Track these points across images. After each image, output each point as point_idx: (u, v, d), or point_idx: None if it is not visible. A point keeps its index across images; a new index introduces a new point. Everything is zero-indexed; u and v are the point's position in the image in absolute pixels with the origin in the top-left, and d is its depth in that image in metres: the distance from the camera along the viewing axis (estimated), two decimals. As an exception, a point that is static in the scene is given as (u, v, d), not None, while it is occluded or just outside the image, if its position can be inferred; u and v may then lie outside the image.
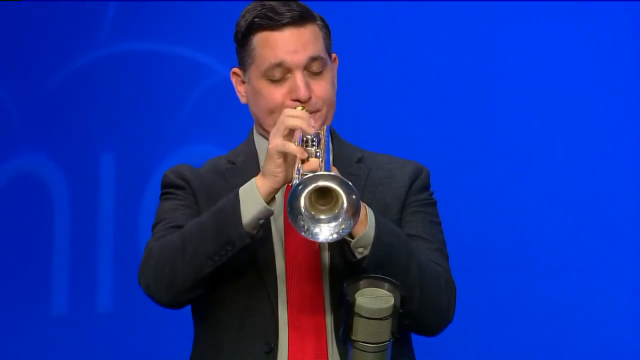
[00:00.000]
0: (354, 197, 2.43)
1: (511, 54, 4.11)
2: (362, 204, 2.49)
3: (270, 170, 2.54)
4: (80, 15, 4.13)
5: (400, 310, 2.46)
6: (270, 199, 2.55)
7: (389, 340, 2.45)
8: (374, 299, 2.45)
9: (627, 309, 4.03)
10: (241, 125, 2.85)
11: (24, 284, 4.09)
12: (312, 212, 2.45)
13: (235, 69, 2.77)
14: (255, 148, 2.78)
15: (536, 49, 4.12)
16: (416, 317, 2.63)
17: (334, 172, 2.51)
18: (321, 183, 2.43)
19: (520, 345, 3.92)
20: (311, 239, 2.46)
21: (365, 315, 2.44)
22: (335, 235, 2.46)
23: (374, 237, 2.54)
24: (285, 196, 2.56)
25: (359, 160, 2.79)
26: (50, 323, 4.06)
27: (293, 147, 2.51)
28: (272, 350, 2.63)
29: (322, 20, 2.74)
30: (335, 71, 2.77)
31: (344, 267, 2.61)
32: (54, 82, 4.16)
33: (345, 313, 2.47)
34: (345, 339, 2.48)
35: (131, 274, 2.72)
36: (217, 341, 2.68)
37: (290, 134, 2.54)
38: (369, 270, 2.52)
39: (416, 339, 2.76)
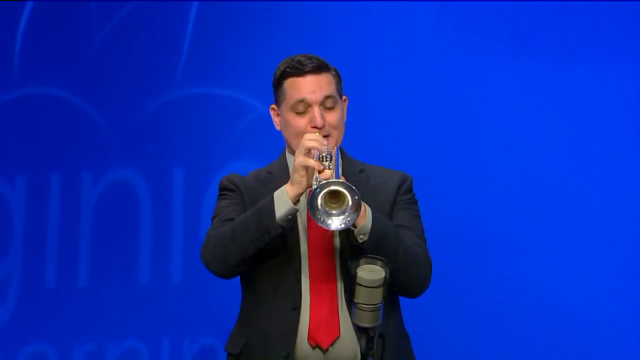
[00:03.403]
0: (356, 197, 2.48)
1: (490, 67, 3.97)
2: (363, 203, 2.53)
3: (296, 180, 2.58)
4: (159, 66, 4.17)
5: (390, 281, 2.47)
6: (296, 201, 2.59)
7: (381, 303, 2.46)
8: (370, 272, 2.46)
9: (615, 305, 3.83)
10: (276, 146, 2.87)
11: (119, 261, 4.09)
12: (326, 209, 2.49)
13: (273, 105, 2.79)
14: (287, 162, 2.79)
15: (514, 62, 3.98)
16: (402, 285, 2.66)
17: (342, 179, 2.54)
18: (333, 187, 2.49)
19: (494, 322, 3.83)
20: (326, 228, 2.50)
21: (363, 285, 2.45)
22: (343, 225, 2.50)
23: (371, 227, 2.58)
24: (307, 198, 2.59)
25: (361, 171, 2.79)
26: (138, 290, 4.08)
27: (312, 162, 2.56)
28: (297, 308, 2.65)
29: (335, 70, 2.77)
30: (345, 108, 2.79)
31: (350, 248, 2.63)
32: (140, 115, 4.16)
33: (349, 283, 2.50)
34: (349, 301, 2.51)
35: (195, 253, 2.74)
36: (257, 301, 2.70)
37: (309, 152, 2.58)
38: (368, 252, 2.54)
39: (404, 302, 2.78)
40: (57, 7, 4.20)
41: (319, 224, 2.49)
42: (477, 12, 3.99)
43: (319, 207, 2.48)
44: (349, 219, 2.49)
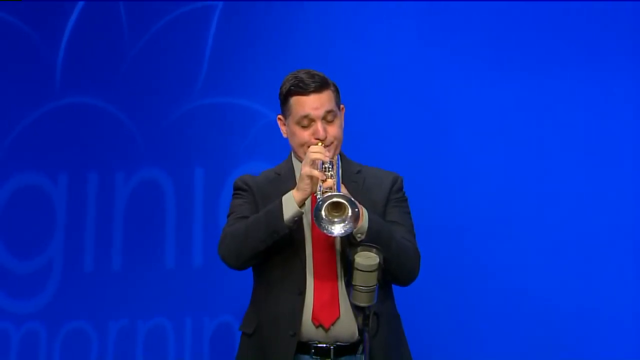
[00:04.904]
0: (356, 209, 2.49)
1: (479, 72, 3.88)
2: (360, 207, 2.53)
3: (302, 187, 2.60)
4: (182, 79, 4.13)
5: (383, 266, 2.47)
6: (302, 204, 2.60)
7: (376, 285, 2.47)
8: (366, 258, 2.47)
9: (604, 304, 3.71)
10: (283, 149, 2.88)
11: (147, 249, 4.03)
12: (329, 218, 2.51)
13: (280, 116, 2.80)
14: (292, 165, 2.79)
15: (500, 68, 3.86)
16: (394, 275, 2.69)
17: (343, 191, 2.56)
18: (334, 200, 2.50)
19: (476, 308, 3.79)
20: (328, 234, 2.53)
21: (360, 269, 2.46)
22: (343, 232, 2.53)
23: (367, 228, 2.60)
24: (312, 201, 2.60)
25: (358, 172, 2.80)
26: (164, 274, 4.06)
27: (316, 173, 2.57)
28: (302, 293, 2.65)
29: (335, 85, 2.77)
30: (342, 117, 2.79)
31: (349, 244, 2.62)
32: (166, 121, 4.05)
33: (348, 268, 2.50)
34: (348, 284, 2.51)
35: (214, 241, 2.74)
36: (267, 288, 2.71)
37: (314, 163, 2.58)
38: None
39: (396, 287, 2.79)
40: (93, 30, 4.15)
41: (324, 231, 2.52)
42: (468, 15, 3.92)
43: (323, 217, 2.49)
44: (348, 227, 2.51)
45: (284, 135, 2.79)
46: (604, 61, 3.85)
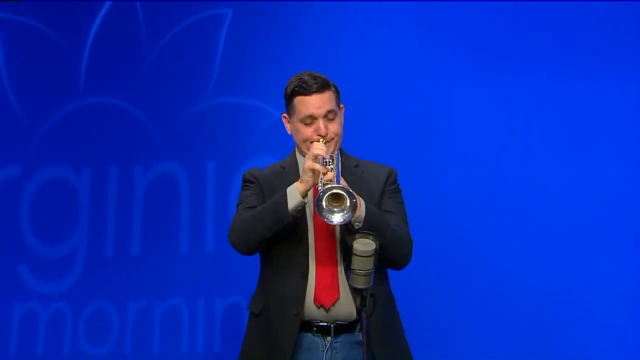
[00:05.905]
0: (354, 200, 2.51)
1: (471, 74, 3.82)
2: (358, 197, 2.55)
3: (305, 179, 2.62)
4: (195, 80, 4.17)
5: (379, 252, 2.48)
6: (305, 195, 2.62)
7: (372, 269, 2.48)
8: (364, 245, 2.48)
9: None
10: (288, 145, 2.89)
11: (163, 236, 4.09)
12: (330, 207, 2.53)
13: (285, 114, 2.81)
14: (296, 159, 2.80)
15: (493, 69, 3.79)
16: (389, 260, 2.70)
17: (342, 183, 2.58)
18: (335, 191, 2.51)
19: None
20: (328, 223, 2.55)
21: (358, 254, 2.47)
22: (342, 220, 2.54)
23: (364, 217, 2.61)
24: (314, 192, 2.62)
25: (356, 166, 2.81)
26: (178, 259, 4.08)
27: (318, 166, 2.60)
28: (305, 276, 2.67)
29: (335, 86, 2.78)
30: (342, 115, 2.80)
31: (347, 232, 2.64)
32: (181, 119, 4.13)
33: (347, 253, 2.52)
34: (347, 269, 2.53)
35: (225, 229, 2.75)
36: (272, 273, 2.73)
37: (316, 157, 2.60)
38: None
39: (391, 271, 2.79)
40: (114, 36, 4.17)
41: (324, 220, 2.54)
42: (467, 16, 3.86)
43: (324, 207, 2.51)
44: (346, 216, 2.53)
45: (289, 132, 2.80)
46: (603, 61, 3.77)
